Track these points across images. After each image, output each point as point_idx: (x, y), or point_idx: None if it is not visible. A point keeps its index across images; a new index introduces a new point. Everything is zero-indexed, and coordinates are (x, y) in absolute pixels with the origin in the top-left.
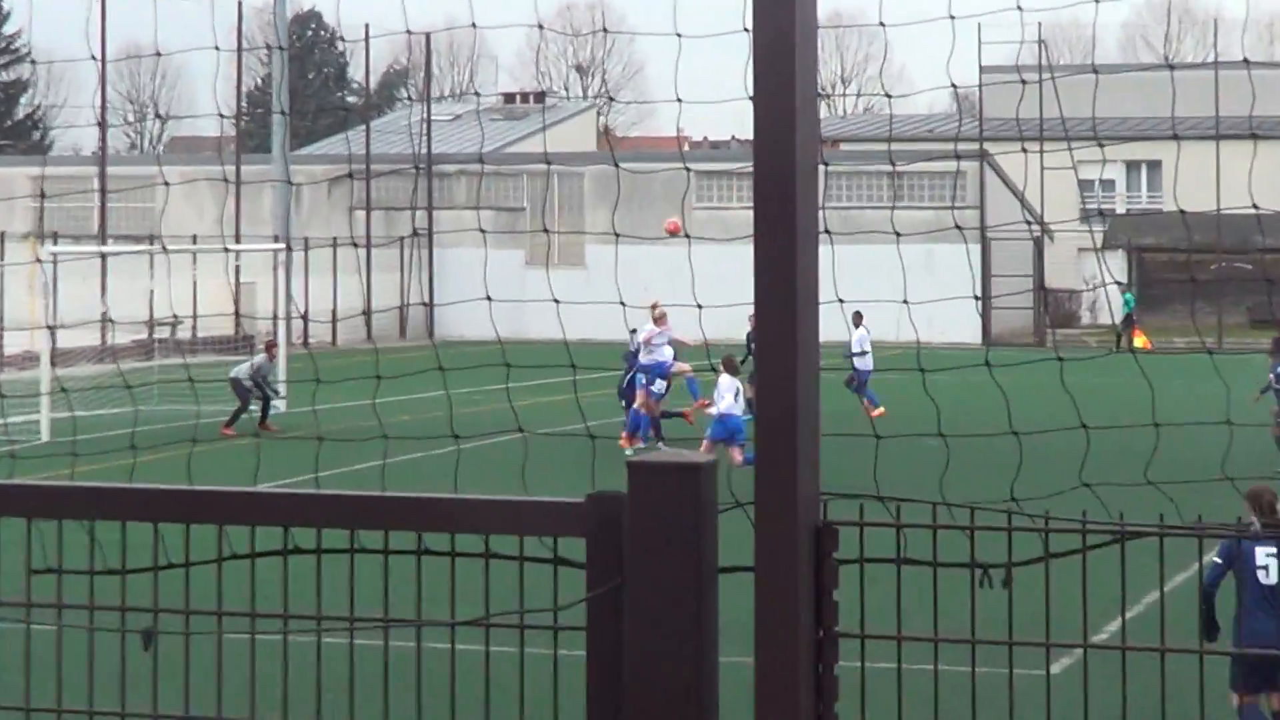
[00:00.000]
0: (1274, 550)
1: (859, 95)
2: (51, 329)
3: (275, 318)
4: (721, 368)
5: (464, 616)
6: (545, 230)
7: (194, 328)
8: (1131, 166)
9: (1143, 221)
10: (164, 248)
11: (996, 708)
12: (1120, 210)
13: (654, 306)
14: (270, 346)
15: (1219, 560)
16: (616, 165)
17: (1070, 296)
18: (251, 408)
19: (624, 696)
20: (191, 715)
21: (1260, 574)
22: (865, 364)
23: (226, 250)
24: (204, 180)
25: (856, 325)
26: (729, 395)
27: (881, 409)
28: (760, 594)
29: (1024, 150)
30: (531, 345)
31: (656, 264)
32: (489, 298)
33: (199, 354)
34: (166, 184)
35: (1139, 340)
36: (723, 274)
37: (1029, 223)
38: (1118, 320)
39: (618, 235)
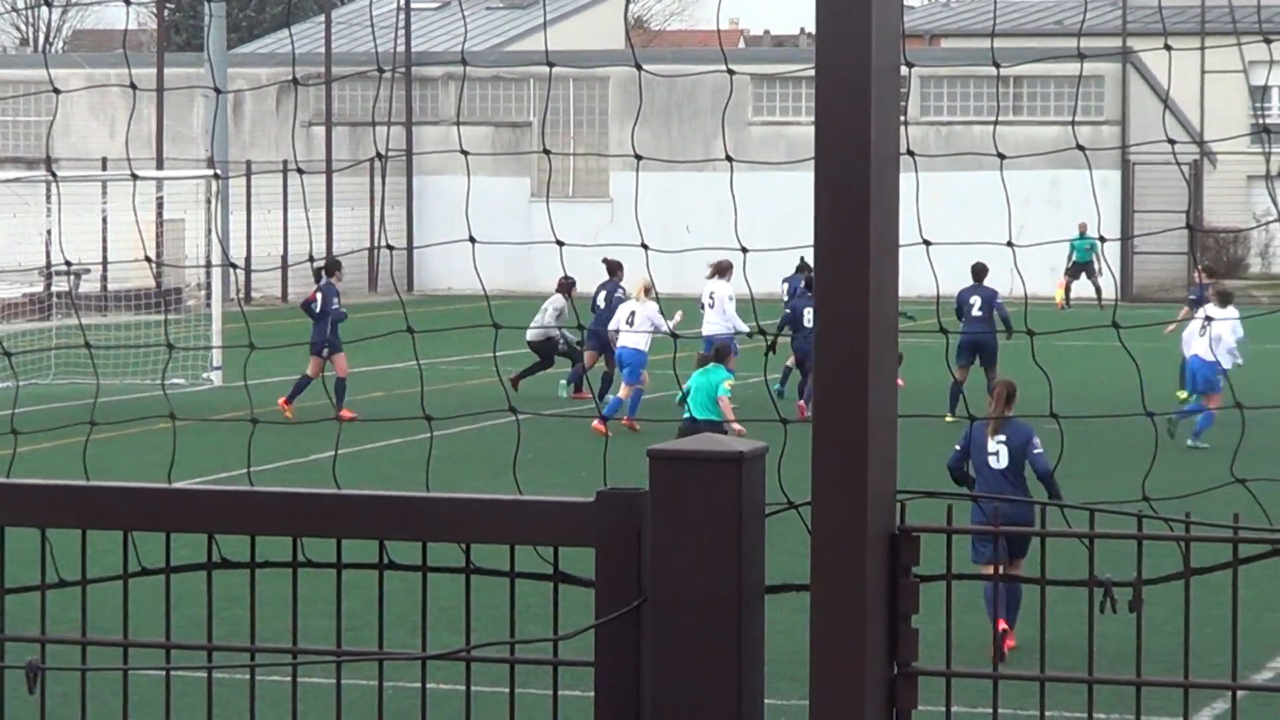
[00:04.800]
0: (1003, 438)
1: None
2: None
3: (208, 265)
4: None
5: (439, 647)
6: (546, 151)
7: (104, 278)
8: None
9: None
10: (52, 175)
11: None
12: None
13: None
14: (568, 287)
15: (959, 446)
16: (639, 68)
17: (1235, 238)
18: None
19: None
20: None
21: (991, 459)
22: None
23: (136, 178)
24: (115, 86)
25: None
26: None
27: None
28: (818, 619)
29: (1167, 48)
30: (537, 300)
31: (700, 194)
32: (472, 239)
33: (110, 312)
34: (57, 91)
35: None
36: (786, 208)
37: (1171, 142)
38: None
39: (639, 158)
